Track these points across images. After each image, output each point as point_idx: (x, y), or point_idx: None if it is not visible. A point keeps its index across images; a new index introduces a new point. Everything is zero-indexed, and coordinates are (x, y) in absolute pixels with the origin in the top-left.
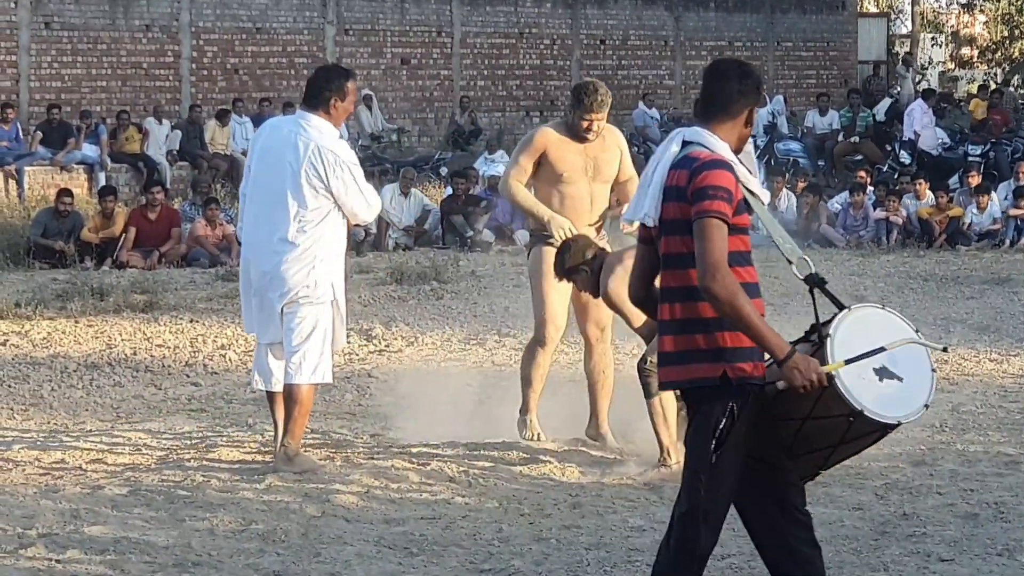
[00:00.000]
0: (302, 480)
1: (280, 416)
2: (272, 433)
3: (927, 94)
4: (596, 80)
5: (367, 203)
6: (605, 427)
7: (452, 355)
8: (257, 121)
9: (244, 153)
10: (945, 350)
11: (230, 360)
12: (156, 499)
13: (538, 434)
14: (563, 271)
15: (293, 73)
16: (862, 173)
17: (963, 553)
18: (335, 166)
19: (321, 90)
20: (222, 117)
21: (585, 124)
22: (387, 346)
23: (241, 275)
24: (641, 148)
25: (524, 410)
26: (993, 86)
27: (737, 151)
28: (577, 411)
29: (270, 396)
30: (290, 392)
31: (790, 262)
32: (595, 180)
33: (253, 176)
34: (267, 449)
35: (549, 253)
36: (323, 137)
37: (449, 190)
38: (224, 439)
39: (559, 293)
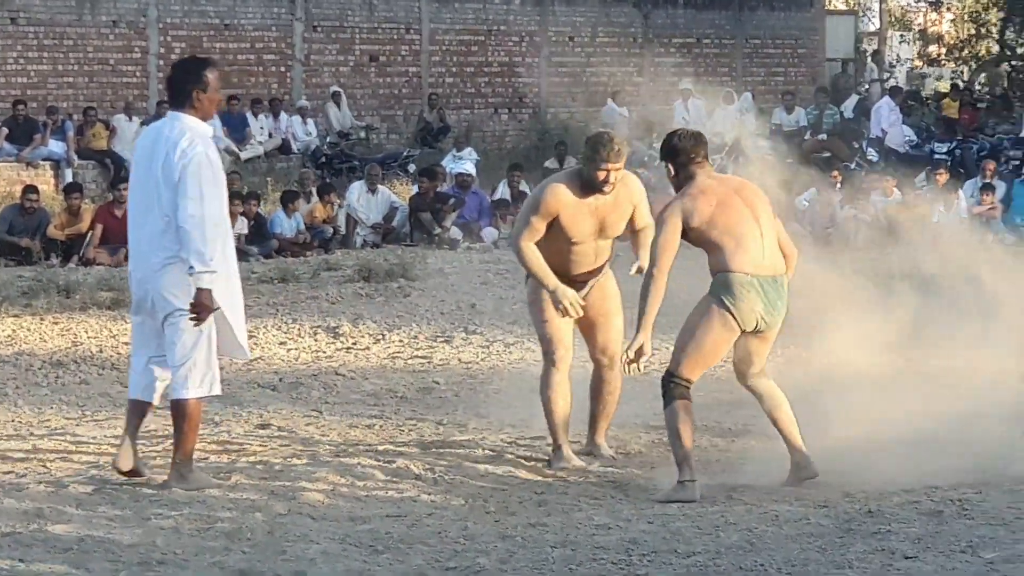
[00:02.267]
0: (268, 478)
1: (135, 425)
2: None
3: (894, 92)
4: (608, 131)
5: (200, 206)
6: (602, 441)
7: (419, 352)
8: (225, 118)
9: None
10: None
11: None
12: (121, 497)
13: (576, 465)
14: None
15: (261, 70)
16: (835, 173)
17: (927, 550)
18: (184, 155)
19: (181, 86)
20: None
21: (602, 175)
22: (354, 343)
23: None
24: None
25: (555, 444)
26: (962, 85)
27: None
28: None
29: (134, 405)
30: (177, 407)
31: None
32: (600, 238)
33: (131, 186)
34: (232, 447)
35: None
36: (185, 135)
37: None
38: None
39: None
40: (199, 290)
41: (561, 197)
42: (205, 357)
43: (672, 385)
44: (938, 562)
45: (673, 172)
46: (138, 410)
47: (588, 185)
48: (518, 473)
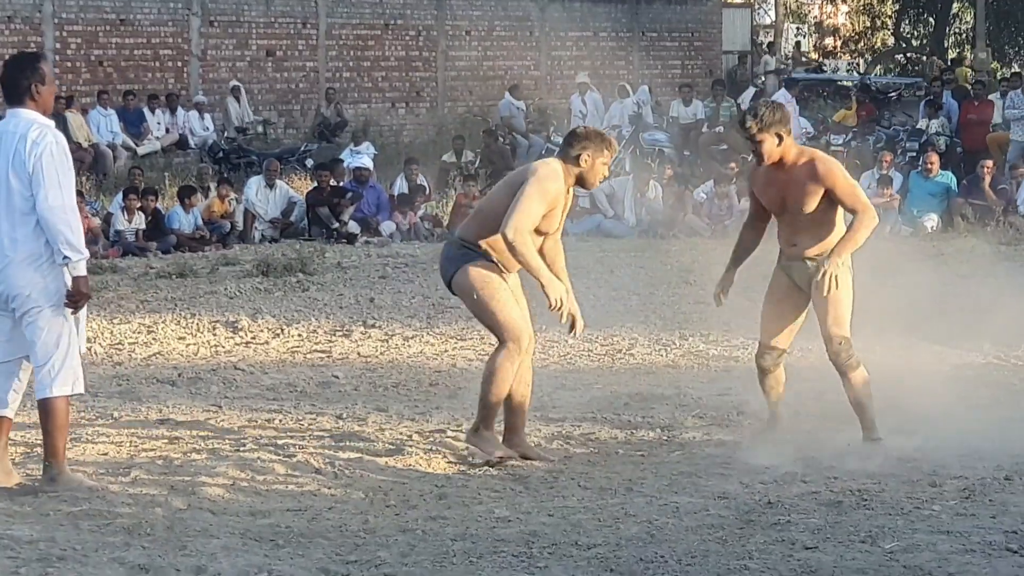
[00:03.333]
0: (168, 473)
1: (2, 443)
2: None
3: (790, 84)
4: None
5: (60, 194)
6: (526, 440)
7: (318, 346)
8: (122, 113)
9: (109, 145)
10: None
11: (95, 353)
12: (19, 493)
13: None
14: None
15: (158, 65)
16: (733, 164)
17: (827, 540)
18: (36, 146)
19: (18, 81)
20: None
21: (606, 171)
22: (253, 338)
23: None
24: (506, 139)
25: (487, 426)
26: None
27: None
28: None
29: None
30: (45, 407)
31: None
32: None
33: None
34: (132, 442)
35: (494, 268)
36: (32, 126)
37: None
38: (89, 432)
39: (519, 302)
40: (76, 278)
41: (562, 188)
42: (68, 354)
43: (851, 353)
44: (838, 552)
45: (778, 142)
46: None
47: (580, 179)
48: (418, 466)
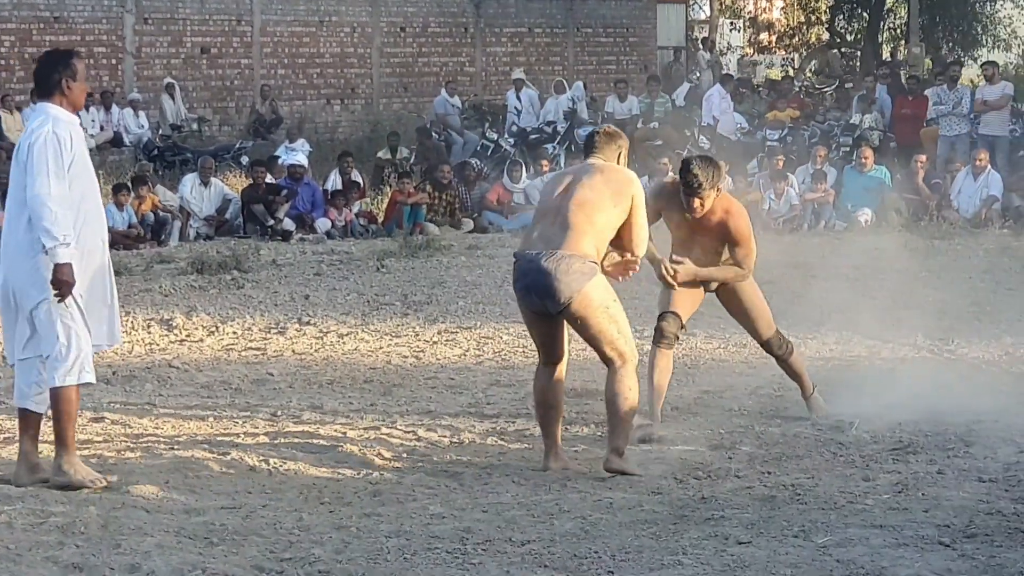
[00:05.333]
0: (102, 471)
1: (29, 437)
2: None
3: (725, 79)
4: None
5: (47, 183)
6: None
7: (253, 344)
8: None
9: None
10: None
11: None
12: None
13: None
14: None
15: (92, 63)
16: (665, 160)
17: (760, 535)
18: (31, 135)
19: (50, 76)
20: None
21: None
22: (188, 336)
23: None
24: (441, 136)
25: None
26: (791, 72)
27: None
28: None
29: (19, 413)
30: (53, 397)
31: None
32: None
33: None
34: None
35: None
36: (38, 118)
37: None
38: None
39: None
40: (56, 265)
41: None
42: (74, 344)
43: (784, 343)
44: (771, 547)
45: (715, 195)
46: (25, 420)
47: None
48: (352, 463)
